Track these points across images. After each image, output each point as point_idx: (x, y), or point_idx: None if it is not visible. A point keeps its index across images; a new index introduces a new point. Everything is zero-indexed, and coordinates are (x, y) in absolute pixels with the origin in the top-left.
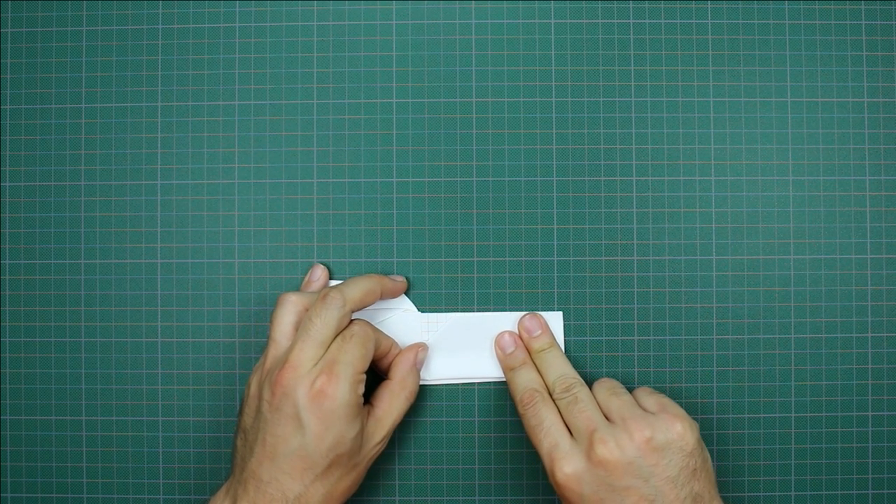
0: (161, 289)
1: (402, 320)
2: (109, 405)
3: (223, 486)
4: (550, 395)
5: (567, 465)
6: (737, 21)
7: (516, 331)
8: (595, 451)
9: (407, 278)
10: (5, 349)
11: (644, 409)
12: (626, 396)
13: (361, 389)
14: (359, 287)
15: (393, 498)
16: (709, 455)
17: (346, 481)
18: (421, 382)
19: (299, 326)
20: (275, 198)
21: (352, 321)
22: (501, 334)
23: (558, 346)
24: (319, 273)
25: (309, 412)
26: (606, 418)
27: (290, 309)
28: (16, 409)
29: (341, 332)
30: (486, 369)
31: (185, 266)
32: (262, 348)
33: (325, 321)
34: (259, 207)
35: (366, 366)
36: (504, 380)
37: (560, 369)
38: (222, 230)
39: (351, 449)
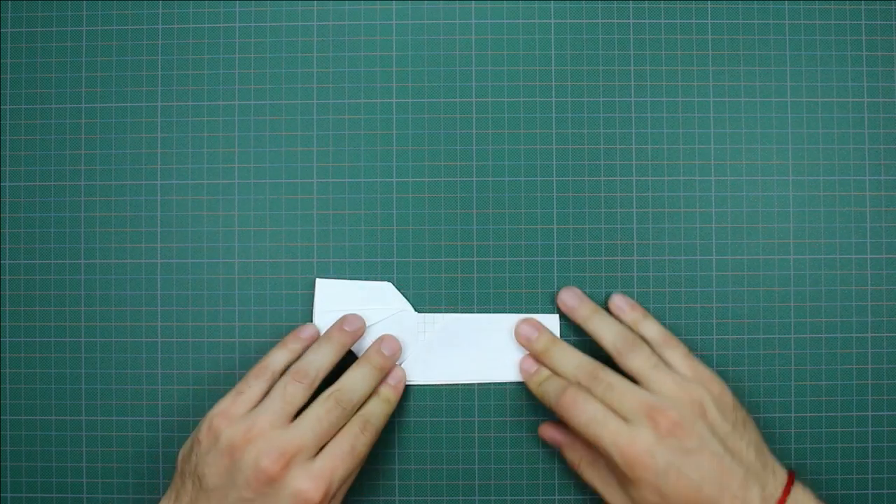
0: (161, 289)
1: (399, 320)
2: (109, 405)
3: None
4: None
5: (637, 443)
6: (737, 21)
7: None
8: (660, 423)
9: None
10: (5, 349)
11: (675, 371)
12: (661, 367)
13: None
14: (325, 358)
15: (393, 498)
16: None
17: None
18: (419, 383)
19: (301, 408)
20: (275, 198)
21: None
22: (523, 360)
23: (559, 339)
24: (309, 332)
25: None
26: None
27: (266, 376)
28: (16, 409)
29: (350, 443)
30: (481, 371)
31: (185, 266)
32: (262, 350)
33: (292, 400)
34: (259, 207)
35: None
36: (501, 381)
37: (572, 360)
38: (222, 230)
39: None
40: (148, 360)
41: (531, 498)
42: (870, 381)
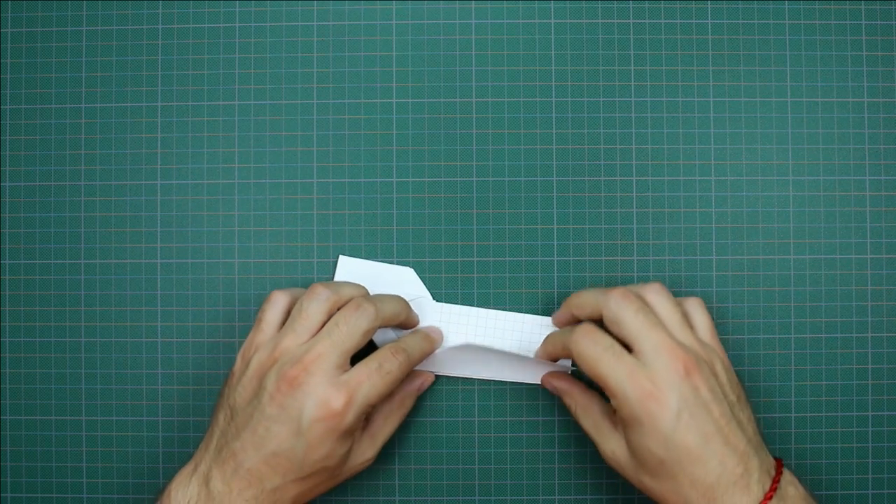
0: (161, 289)
1: (418, 307)
2: (109, 405)
3: (192, 459)
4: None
5: (655, 378)
6: (737, 21)
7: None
8: (680, 364)
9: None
10: (5, 349)
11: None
12: (685, 324)
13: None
14: (390, 306)
15: (393, 498)
16: None
17: (322, 486)
18: (434, 371)
19: (322, 327)
20: (275, 198)
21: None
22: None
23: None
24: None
25: (313, 426)
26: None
27: (280, 302)
28: (16, 409)
29: (378, 360)
30: (501, 370)
31: (185, 266)
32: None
33: (353, 331)
34: (259, 207)
35: (381, 399)
36: (507, 380)
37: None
38: (222, 230)
39: (338, 463)
40: (148, 360)
41: (531, 498)
42: (870, 381)
